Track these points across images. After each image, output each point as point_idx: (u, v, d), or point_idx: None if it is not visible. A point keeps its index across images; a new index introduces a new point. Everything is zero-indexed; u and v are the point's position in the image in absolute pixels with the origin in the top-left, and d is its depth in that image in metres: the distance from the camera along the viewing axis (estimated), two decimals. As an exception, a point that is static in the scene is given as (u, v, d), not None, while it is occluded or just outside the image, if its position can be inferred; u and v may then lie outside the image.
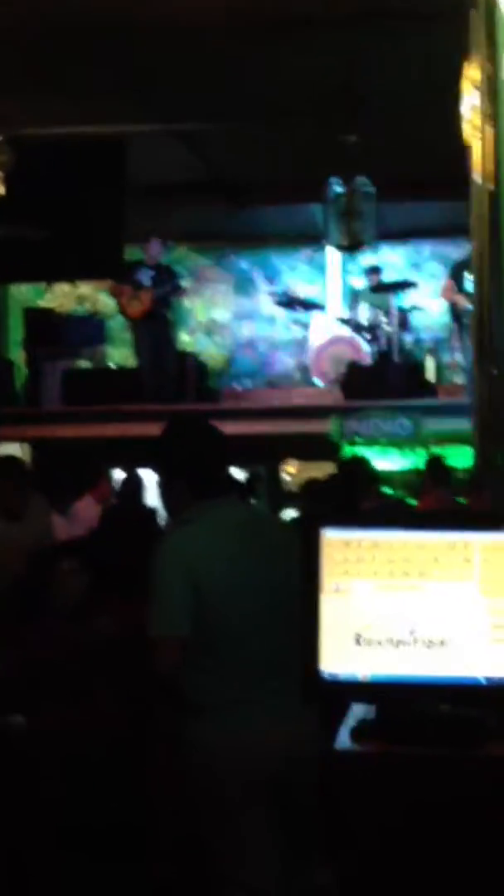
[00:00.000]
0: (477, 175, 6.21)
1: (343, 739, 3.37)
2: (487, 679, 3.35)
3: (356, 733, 3.38)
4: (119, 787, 4.38)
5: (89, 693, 4.54)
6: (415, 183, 12.02)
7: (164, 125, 10.33)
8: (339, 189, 11.48)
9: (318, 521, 3.45)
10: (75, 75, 9.47)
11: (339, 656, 3.37)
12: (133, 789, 4.37)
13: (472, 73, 6.20)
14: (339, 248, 12.12)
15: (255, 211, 13.33)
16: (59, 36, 8.83)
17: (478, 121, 5.56)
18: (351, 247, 12.05)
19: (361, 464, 9.29)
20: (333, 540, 3.41)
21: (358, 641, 3.37)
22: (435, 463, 9.46)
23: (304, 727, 3.81)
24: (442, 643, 3.36)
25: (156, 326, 12.73)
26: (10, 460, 7.95)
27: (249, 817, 3.74)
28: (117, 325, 14.04)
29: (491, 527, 3.40)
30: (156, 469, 4.14)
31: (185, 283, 13.48)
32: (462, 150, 7.74)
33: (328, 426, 12.20)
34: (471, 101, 5.71)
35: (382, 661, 3.37)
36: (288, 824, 3.81)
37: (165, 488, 4.03)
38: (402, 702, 3.40)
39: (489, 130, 4.72)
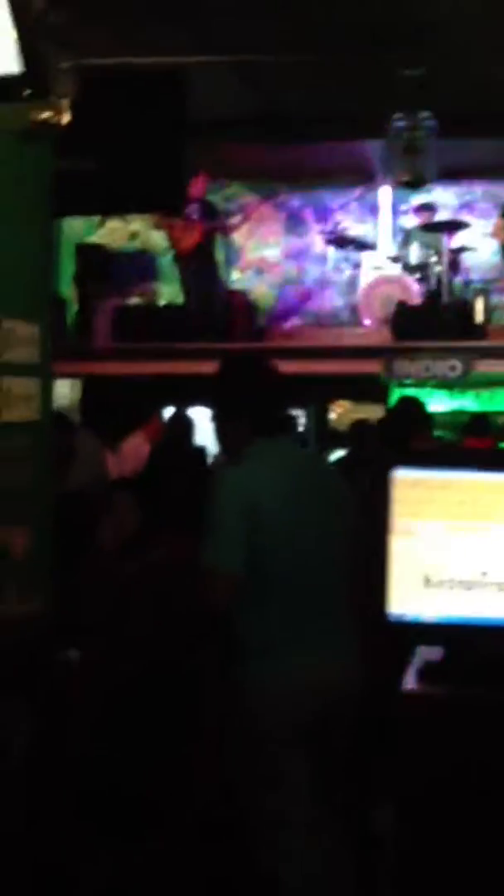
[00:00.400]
0: None
1: (410, 680, 3.35)
2: None
3: (424, 675, 3.36)
4: (164, 728, 4.33)
5: (141, 625, 4.53)
6: (469, 119, 11.78)
7: (218, 56, 10.20)
8: (401, 124, 11.33)
9: (388, 461, 3.43)
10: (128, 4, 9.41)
11: (407, 597, 3.35)
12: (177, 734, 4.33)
13: None
14: (402, 184, 11.98)
15: (307, 147, 13.19)
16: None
17: None
18: (413, 183, 11.87)
19: (413, 404, 9.15)
20: (403, 480, 3.37)
21: (427, 583, 3.35)
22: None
23: (353, 667, 3.84)
24: None
25: (204, 262, 12.66)
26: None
27: (292, 756, 3.74)
28: (168, 262, 13.91)
29: None
30: (215, 408, 4.12)
31: (234, 219, 13.54)
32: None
33: (377, 366, 12.15)
34: None
35: (452, 603, 3.34)
36: (329, 762, 3.83)
37: (224, 427, 4.04)
38: (470, 644, 3.37)
39: None
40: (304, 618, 3.78)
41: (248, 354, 8.96)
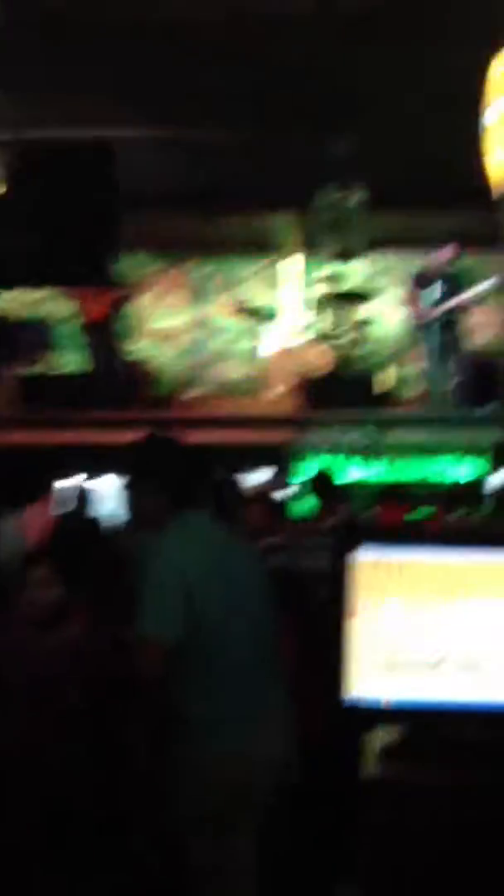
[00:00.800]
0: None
1: (370, 763, 3.29)
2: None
3: (383, 757, 3.28)
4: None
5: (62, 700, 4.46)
6: (393, 192, 11.90)
7: (144, 130, 10.31)
8: (330, 197, 11.59)
9: (344, 541, 3.39)
10: (64, 76, 9.43)
11: (366, 681, 3.28)
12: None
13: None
14: (332, 257, 12.19)
15: (219, 218, 13.28)
16: (51, 36, 8.81)
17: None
18: (343, 256, 12.14)
19: (324, 478, 9.25)
20: (362, 561, 3.32)
21: (387, 665, 3.28)
22: (319, 480, 9.22)
23: (291, 741, 3.84)
24: (475, 666, 3.25)
25: (111, 331, 12.64)
26: None
27: (235, 829, 3.72)
28: (70, 330, 13.76)
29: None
30: (131, 483, 4.19)
31: (141, 287, 13.48)
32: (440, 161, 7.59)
33: (284, 436, 12.08)
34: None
35: (412, 685, 3.26)
36: (271, 831, 3.83)
37: (142, 502, 4.10)
38: (430, 726, 3.30)
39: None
40: (245, 694, 3.77)
41: (165, 432, 9.35)
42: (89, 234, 9.15)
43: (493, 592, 3.23)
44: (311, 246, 12.30)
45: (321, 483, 9.04)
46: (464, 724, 3.22)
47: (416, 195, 11.95)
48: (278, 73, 9.53)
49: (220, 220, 13.44)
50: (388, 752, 3.25)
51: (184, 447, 4.19)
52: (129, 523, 4.79)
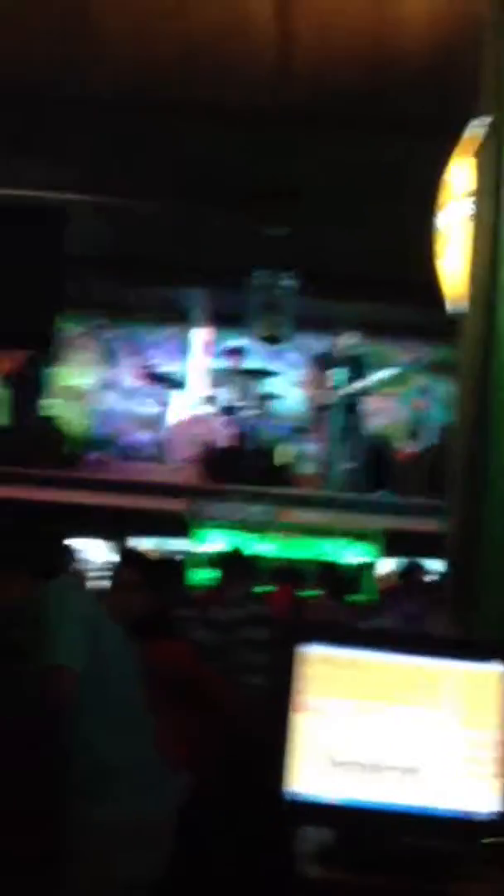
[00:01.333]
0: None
1: (307, 864, 3.30)
2: (459, 812, 3.31)
3: (321, 859, 3.30)
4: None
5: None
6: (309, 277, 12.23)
7: (80, 195, 10.38)
8: (263, 280, 11.71)
9: (293, 634, 3.41)
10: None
11: (307, 777, 3.31)
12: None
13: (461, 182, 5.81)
14: (261, 339, 12.28)
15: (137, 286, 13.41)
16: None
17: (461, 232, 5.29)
18: (271, 339, 12.20)
19: (235, 552, 9.04)
20: (311, 655, 3.36)
21: (329, 763, 3.32)
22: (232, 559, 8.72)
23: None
24: (414, 771, 3.31)
25: (22, 388, 12.55)
26: None
27: None
28: None
29: (474, 657, 3.40)
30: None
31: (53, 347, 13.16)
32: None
33: (183, 505, 12.10)
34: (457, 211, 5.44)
35: (352, 786, 3.31)
36: None
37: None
38: (364, 828, 3.33)
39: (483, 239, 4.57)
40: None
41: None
42: (33, 295, 8.92)
43: (434, 700, 3.32)
44: (236, 324, 12.47)
45: (231, 556, 8.90)
46: (401, 828, 3.27)
47: (337, 281, 12.32)
48: (217, 155, 9.81)
49: (138, 288, 13.59)
50: (324, 852, 3.29)
51: (37, 525, 4.32)
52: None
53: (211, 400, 13.34)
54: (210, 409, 13.25)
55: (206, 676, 5.12)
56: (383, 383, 12.57)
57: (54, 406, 13.92)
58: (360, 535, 12.06)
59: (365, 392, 12.42)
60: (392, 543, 11.76)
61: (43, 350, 11.60)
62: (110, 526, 11.73)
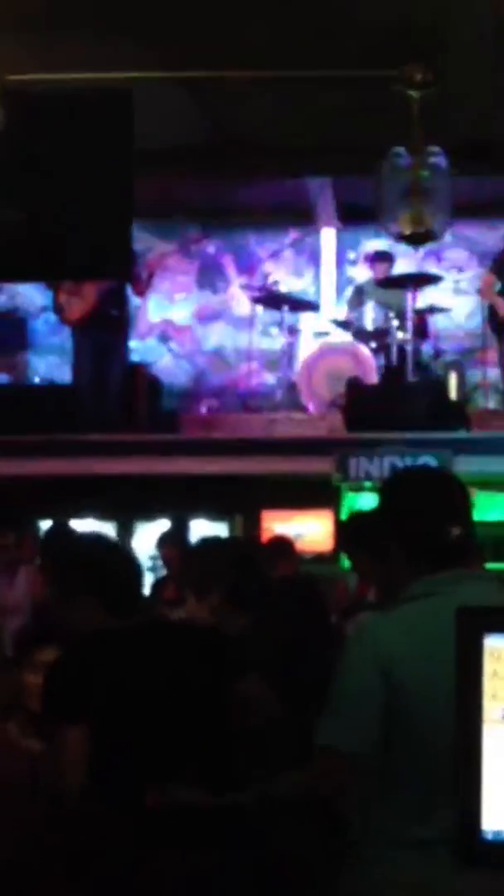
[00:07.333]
0: None
1: None
2: None
3: None
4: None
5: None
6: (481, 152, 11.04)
7: (163, 72, 9.26)
8: (402, 160, 10.05)
9: (477, 623, 2.66)
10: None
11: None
12: None
13: None
14: (402, 239, 10.53)
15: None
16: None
17: None
18: (417, 238, 10.36)
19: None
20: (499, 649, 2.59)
21: None
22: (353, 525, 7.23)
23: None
24: None
25: (101, 333, 11.17)
26: None
27: None
28: (45, 326, 13.01)
29: None
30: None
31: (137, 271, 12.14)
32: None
33: (326, 466, 10.61)
34: None
35: None
36: None
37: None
38: None
39: None
40: (432, 814, 3.27)
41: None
42: (100, 209, 8.21)
43: None
44: (376, 221, 10.85)
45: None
46: None
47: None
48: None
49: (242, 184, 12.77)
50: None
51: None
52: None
53: (351, 323, 11.85)
54: (351, 335, 11.85)
55: None
56: None
57: (142, 348, 13.21)
58: None
59: None
60: None
61: (122, 278, 10.48)
62: (226, 500, 10.97)
